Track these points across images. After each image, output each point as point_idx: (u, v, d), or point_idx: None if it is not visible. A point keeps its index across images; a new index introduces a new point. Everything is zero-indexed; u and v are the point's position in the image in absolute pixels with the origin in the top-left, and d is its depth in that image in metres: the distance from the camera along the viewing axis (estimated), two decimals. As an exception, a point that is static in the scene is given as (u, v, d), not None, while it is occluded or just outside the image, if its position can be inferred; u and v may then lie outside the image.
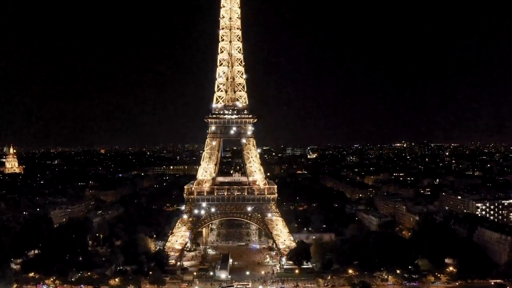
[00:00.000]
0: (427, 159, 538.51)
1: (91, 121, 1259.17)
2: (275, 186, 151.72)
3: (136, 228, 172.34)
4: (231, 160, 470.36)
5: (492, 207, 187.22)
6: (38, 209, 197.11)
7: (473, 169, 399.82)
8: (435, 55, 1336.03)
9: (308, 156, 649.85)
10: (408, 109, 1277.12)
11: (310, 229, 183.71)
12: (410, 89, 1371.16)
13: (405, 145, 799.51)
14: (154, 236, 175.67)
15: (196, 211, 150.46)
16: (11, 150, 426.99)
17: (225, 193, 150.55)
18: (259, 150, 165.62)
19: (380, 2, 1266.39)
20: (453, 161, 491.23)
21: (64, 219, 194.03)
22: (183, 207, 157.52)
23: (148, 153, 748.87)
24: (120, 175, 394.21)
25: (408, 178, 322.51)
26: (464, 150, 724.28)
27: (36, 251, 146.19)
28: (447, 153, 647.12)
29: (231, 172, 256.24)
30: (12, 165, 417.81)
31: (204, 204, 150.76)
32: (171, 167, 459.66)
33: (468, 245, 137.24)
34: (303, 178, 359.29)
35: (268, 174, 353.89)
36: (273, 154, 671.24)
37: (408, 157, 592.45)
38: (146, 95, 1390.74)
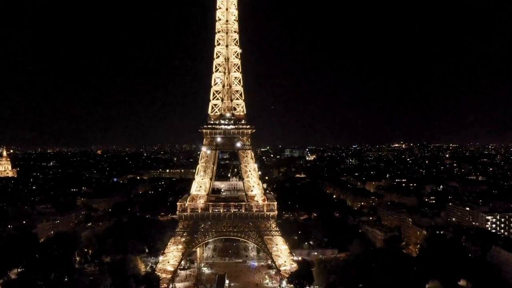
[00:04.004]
0: (427, 162, 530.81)
1: (89, 121, 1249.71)
2: (275, 203, 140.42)
3: (127, 243, 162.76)
4: (228, 163, 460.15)
5: (503, 219, 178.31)
6: (24, 222, 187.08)
7: (476, 173, 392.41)
8: (434, 54, 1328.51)
9: (307, 158, 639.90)
10: (406, 109, 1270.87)
11: (311, 242, 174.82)
12: (408, 89, 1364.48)
13: (404, 146, 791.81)
14: (147, 251, 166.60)
15: (189, 230, 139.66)
16: (4, 153, 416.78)
17: (221, 210, 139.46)
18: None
19: (381, 2, 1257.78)
20: (455, 164, 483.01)
21: (52, 232, 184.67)
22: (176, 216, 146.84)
23: (145, 154, 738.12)
24: (115, 179, 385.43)
25: (411, 184, 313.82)
26: (464, 151, 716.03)
27: (20, 269, 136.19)
28: (447, 155, 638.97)
29: (229, 175, 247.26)
30: (5, 168, 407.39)
31: (198, 222, 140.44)
32: (168, 170, 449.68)
33: (482, 266, 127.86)
34: (302, 184, 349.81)
35: (266, 177, 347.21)
36: (271, 156, 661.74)
37: (408, 159, 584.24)
38: (145, 95, 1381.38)
